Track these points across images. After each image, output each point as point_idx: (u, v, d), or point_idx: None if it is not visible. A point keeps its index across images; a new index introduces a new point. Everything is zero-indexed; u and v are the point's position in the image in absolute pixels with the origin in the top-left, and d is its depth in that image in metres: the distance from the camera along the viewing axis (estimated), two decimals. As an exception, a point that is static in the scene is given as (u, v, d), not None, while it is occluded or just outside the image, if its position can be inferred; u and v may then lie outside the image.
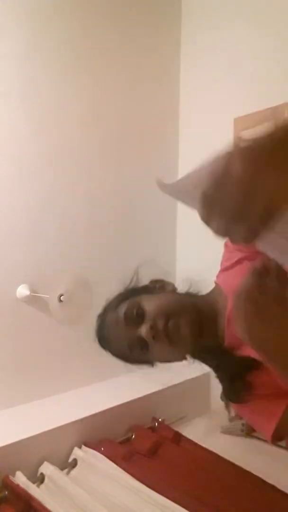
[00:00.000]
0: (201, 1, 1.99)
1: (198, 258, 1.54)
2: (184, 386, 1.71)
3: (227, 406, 1.69)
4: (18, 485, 1.10)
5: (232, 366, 0.83)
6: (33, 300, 1.47)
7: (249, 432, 1.54)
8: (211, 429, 1.62)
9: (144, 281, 0.95)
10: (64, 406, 1.47)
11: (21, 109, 1.46)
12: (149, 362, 0.91)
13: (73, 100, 1.62)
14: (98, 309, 0.95)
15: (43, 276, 1.49)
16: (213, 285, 0.92)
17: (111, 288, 0.92)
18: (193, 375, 1.75)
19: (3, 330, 1.42)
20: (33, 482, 1.16)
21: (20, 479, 1.14)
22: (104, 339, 0.93)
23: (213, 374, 0.89)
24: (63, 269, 1.53)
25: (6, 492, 1.10)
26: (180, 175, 2.24)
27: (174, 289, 0.93)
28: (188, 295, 0.91)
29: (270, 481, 1.20)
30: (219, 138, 2.12)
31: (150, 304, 0.84)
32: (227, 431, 1.59)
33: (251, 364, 0.79)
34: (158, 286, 0.93)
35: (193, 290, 0.91)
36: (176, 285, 0.93)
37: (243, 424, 1.55)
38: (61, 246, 1.57)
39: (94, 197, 1.69)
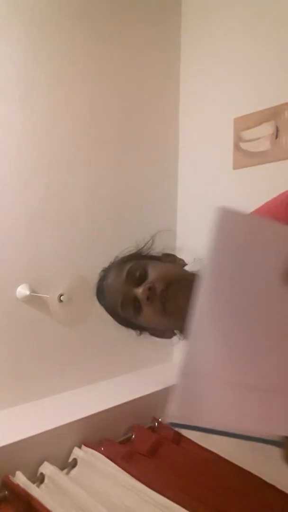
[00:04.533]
0: (201, 1, 1.99)
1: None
2: (184, 386, 1.71)
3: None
4: (18, 485, 1.10)
5: None
6: (33, 300, 1.47)
7: (249, 432, 1.54)
8: (211, 429, 1.62)
9: (157, 250, 0.94)
10: (64, 406, 1.47)
11: (20, 109, 1.46)
12: (138, 327, 0.89)
13: (73, 100, 1.62)
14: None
15: (43, 276, 1.49)
16: None
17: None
18: (193, 375, 1.75)
19: (3, 330, 1.42)
20: (33, 482, 1.15)
21: (20, 479, 1.14)
22: (102, 291, 0.91)
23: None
24: (63, 269, 1.53)
25: (6, 492, 1.10)
26: (180, 176, 2.22)
27: (183, 265, 0.91)
28: (195, 274, 0.88)
29: (270, 481, 1.20)
30: (219, 138, 2.13)
31: (155, 270, 0.83)
32: (227, 431, 1.59)
33: None
34: (169, 260, 0.92)
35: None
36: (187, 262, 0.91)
37: (243, 424, 1.55)
38: (61, 246, 1.57)
39: (95, 197, 1.69)
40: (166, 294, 0.78)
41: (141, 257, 0.91)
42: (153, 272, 0.82)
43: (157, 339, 0.92)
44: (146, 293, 0.78)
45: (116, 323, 0.91)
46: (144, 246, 0.94)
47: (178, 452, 1.38)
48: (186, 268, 0.91)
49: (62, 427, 1.30)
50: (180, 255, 0.94)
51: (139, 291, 0.80)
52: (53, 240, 1.55)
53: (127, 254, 0.93)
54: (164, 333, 0.90)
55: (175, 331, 0.89)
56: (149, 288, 0.78)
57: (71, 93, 1.61)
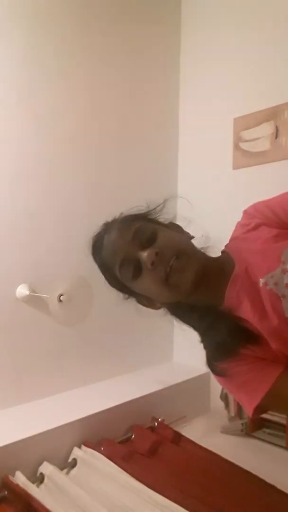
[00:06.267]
0: (200, 2, 1.99)
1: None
2: (184, 386, 1.71)
3: (227, 406, 1.69)
4: (17, 485, 1.10)
5: (227, 329, 0.76)
6: (32, 300, 1.47)
7: (249, 432, 1.54)
8: (211, 429, 1.62)
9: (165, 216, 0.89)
10: (64, 406, 1.47)
11: (20, 109, 1.46)
12: (128, 291, 0.82)
13: (72, 100, 1.62)
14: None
15: (43, 276, 1.49)
16: (219, 253, 0.87)
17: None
18: (193, 375, 1.75)
19: (3, 330, 1.42)
20: (33, 482, 1.15)
21: (20, 479, 1.14)
22: (100, 246, 0.84)
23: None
24: (63, 269, 1.53)
25: (6, 492, 1.10)
26: (179, 176, 2.23)
27: (191, 238, 0.86)
28: (201, 250, 0.84)
29: (270, 481, 1.20)
30: (219, 138, 2.13)
31: (165, 236, 0.77)
32: (227, 431, 1.59)
33: (250, 337, 0.75)
34: (177, 230, 0.87)
35: (206, 249, 0.85)
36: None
37: (243, 424, 1.55)
38: (61, 246, 1.57)
39: (94, 197, 1.69)
40: (173, 264, 0.73)
41: (149, 220, 0.85)
42: (163, 238, 0.77)
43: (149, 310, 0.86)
44: (152, 258, 0.72)
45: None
46: (153, 209, 0.88)
47: (177, 452, 1.38)
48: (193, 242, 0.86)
49: (62, 427, 1.30)
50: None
51: (144, 254, 0.74)
52: (53, 240, 1.55)
53: (135, 213, 0.86)
54: (153, 303, 0.84)
55: (166, 303, 0.84)
56: (156, 254, 0.73)
57: (71, 94, 1.61)
